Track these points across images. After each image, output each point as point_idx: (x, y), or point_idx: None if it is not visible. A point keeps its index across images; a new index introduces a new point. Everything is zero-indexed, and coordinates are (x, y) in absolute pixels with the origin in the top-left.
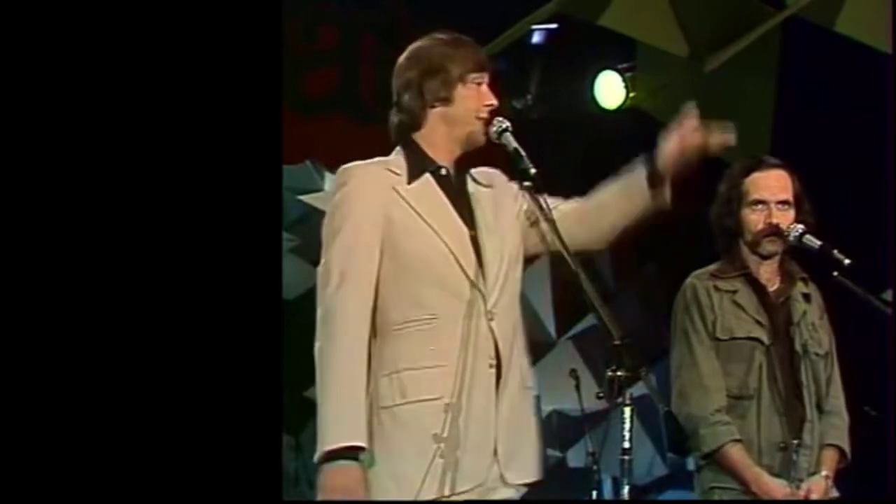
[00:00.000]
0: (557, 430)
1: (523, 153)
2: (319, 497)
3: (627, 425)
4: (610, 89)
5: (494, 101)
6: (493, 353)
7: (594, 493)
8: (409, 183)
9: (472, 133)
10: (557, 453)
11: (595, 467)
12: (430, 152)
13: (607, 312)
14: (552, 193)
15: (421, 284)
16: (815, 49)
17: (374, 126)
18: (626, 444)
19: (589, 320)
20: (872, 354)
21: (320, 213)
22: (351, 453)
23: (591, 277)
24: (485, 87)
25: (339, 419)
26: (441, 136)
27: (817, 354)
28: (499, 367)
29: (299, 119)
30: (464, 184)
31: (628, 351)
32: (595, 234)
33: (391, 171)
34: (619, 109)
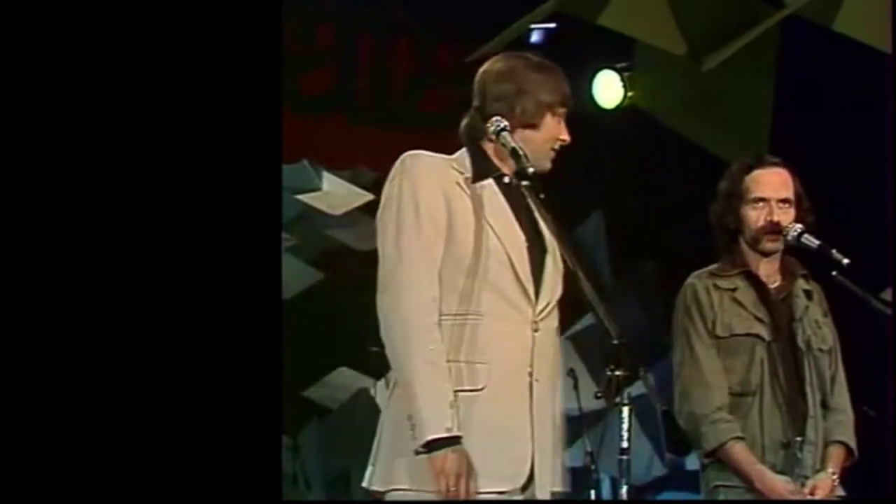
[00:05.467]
0: None
1: (521, 152)
2: (435, 481)
3: (626, 425)
4: (608, 88)
5: (568, 138)
6: (529, 363)
7: (592, 493)
8: (474, 182)
9: (539, 161)
10: None
11: (593, 467)
12: (495, 161)
13: (605, 311)
14: (551, 192)
15: (472, 281)
16: (813, 48)
17: (370, 126)
18: (625, 444)
19: (587, 320)
20: (872, 354)
21: (317, 213)
22: (453, 441)
23: (589, 276)
24: (563, 122)
25: (436, 407)
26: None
27: (821, 350)
28: (538, 379)
29: (296, 118)
30: (524, 196)
31: (626, 350)
32: None
33: (455, 168)
34: (618, 109)
